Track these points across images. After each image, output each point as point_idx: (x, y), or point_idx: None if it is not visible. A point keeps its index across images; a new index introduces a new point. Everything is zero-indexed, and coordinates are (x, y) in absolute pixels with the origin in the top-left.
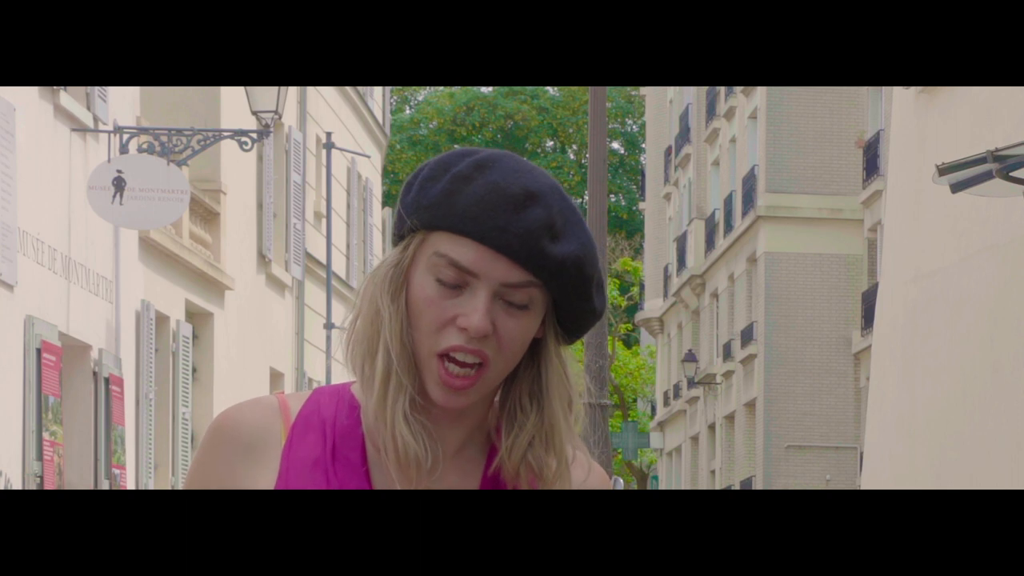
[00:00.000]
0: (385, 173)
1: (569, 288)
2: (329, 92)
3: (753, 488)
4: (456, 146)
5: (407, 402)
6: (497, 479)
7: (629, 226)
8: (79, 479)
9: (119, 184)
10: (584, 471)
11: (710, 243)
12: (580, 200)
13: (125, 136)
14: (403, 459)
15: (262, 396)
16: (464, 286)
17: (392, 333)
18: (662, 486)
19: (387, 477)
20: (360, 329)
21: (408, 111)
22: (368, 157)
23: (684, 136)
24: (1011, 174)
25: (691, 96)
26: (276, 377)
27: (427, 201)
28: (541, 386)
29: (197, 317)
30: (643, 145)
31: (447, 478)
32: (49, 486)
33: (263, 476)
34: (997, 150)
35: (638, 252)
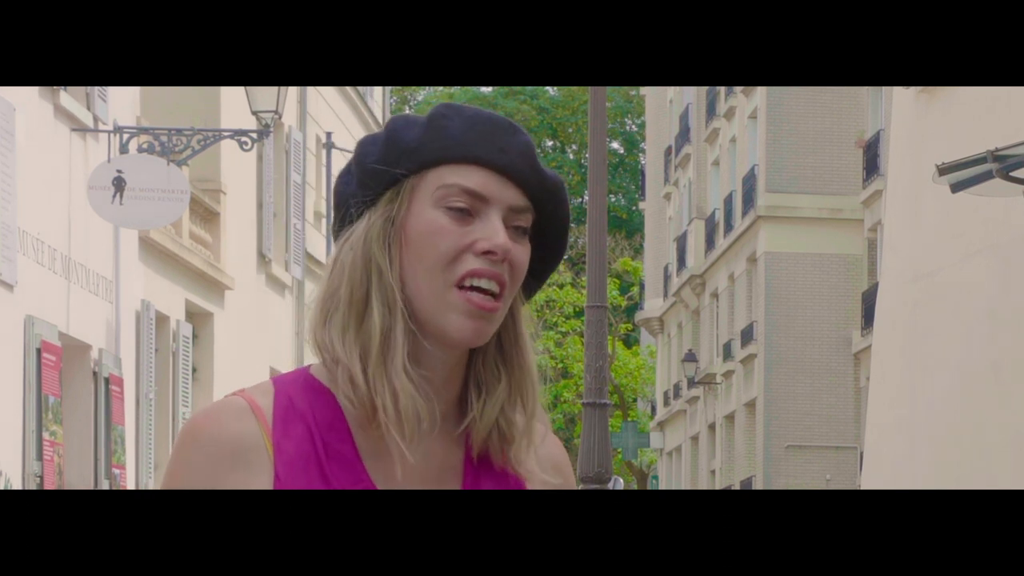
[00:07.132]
0: None
1: (558, 214)
2: (329, 92)
3: (753, 488)
4: None
5: (406, 356)
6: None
7: (629, 226)
8: (79, 479)
9: (119, 184)
10: (542, 432)
11: (710, 243)
12: (580, 200)
13: (125, 136)
14: (405, 414)
15: (228, 399)
16: (475, 214)
17: (393, 285)
18: (662, 486)
19: (380, 466)
20: (344, 295)
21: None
22: None
23: (684, 136)
24: (1011, 174)
25: (691, 96)
26: None
27: (414, 143)
28: (514, 345)
29: (197, 317)
30: (643, 145)
31: (433, 446)
32: (49, 486)
33: (256, 482)
34: (997, 150)
35: (638, 252)
